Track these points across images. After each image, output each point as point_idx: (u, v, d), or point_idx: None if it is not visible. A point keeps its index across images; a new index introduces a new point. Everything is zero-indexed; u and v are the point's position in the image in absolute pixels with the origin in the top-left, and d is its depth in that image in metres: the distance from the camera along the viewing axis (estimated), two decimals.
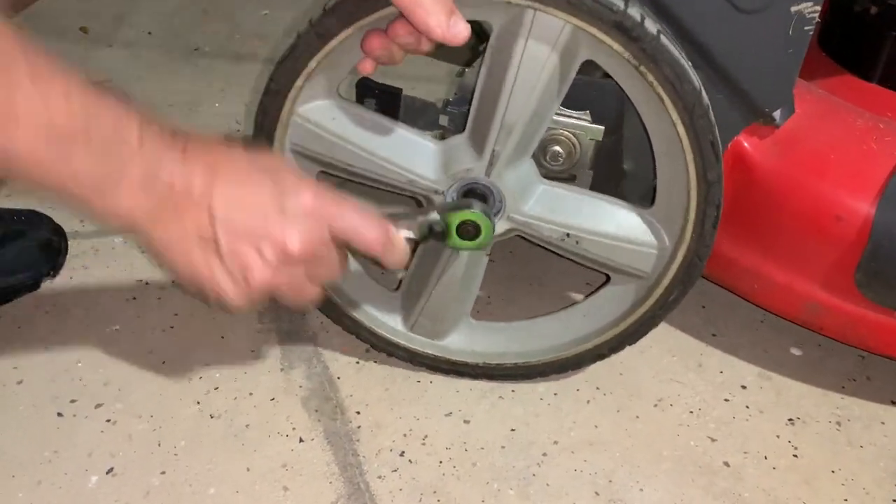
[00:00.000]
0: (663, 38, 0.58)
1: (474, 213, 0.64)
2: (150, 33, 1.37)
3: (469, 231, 0.64)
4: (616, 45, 0.58)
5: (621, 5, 0.57)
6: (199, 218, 0.54)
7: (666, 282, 0.67)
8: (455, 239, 0.64)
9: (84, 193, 0.51)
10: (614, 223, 0.67)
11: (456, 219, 0.64)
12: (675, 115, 0.60)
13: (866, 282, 0.69)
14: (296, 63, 0.64)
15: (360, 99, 0.70)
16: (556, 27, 0.58)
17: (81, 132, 0.49)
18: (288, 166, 0.58)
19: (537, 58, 0.60)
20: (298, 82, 0.65)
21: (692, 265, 0.66)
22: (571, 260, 0.72)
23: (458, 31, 0.55)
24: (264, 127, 0.68)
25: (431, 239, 0.65)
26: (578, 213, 0.68)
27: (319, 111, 0.67)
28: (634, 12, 0.57)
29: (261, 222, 0.54)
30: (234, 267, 0.55)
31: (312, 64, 0.63)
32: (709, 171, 0.61)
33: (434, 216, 0.65)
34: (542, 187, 0.68)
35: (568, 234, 0.68)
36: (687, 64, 0.59)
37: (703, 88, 0.60)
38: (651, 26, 0.57)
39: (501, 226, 0.69)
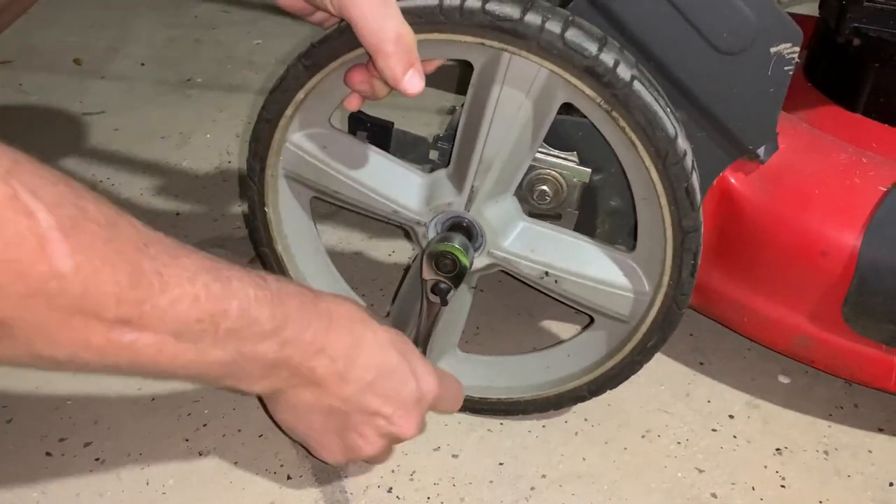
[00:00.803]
0: (637, 84, 0.58)
1: (451, 247, 0.66)
2: (142, 64, 1.39)
3: (447, 265, 0.66)
4: (588, 90, 0.58)
5: (593, 50, 0.57)
6: (337, 393, 0.58)
7: (644, 327, 0.68)
8: (460, 282, 0.67)
9: (213, 377, 0.52)
10: (594, 265, 0.68)
11: (440, 249, 0.66)
12: (648, 161, 0.60)
13: (853, 315, 0.70)
14: (285, 94, 0.65)
15: (353, 131, 0.72)
16: (531, 70, 0.59)
17: (209, 321, 0.48)
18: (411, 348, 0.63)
19: (514, 98, 0.61)
20: (288, 112, 0.66)
21: (670, 312, 0.66)
22: (553, 298, 0.72)
23: (412, 86, 0.57)
24: (258, 153, 0.70)
25: (447, 295, 0.68)
26: (559, 253, 0.68)
27: (310, 140, 0.69)
28: (608, 58, 0.57)
29: (390, 409, 0.60)
30: (350, 441, 0.61)
31: (301, 95, 0.65)
32: (684, 218, 0.61)
33: (433, 277, 0.67)
34: (522, 224, 0.69)
35: (547, 273, 0.68)
36: (662, 111, 0.59)
37: (678, 135, 0.60)
38: (624, 72, 0.58)
39: (482, 261, 0.69)
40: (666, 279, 0.64)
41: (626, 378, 0.71)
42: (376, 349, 0.59)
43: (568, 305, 0.72)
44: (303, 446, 0.66)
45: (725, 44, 0.63)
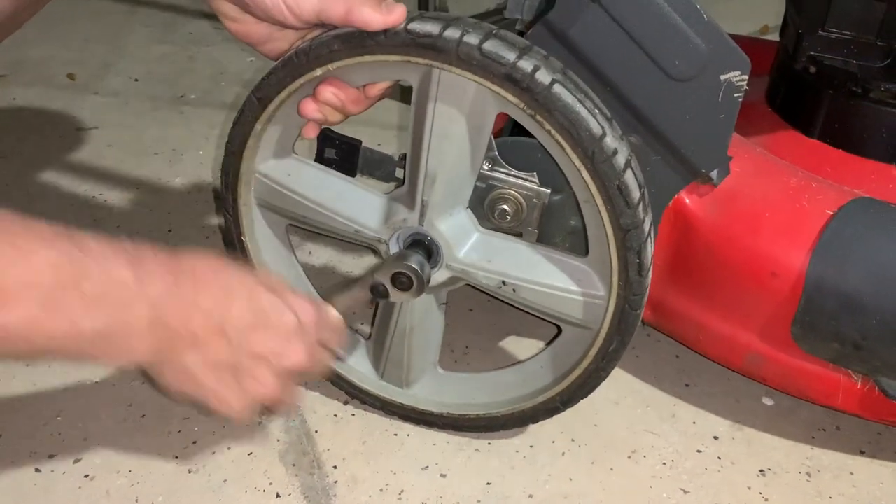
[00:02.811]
0: (557, 87, 0.60)
1: (405, 266, 0.67)
2: (136, 80, 1.39)
3: (404, 282, 0.68)
4: (510, 97, 0.61)
5: (511, 58, 0.59)
6: (221, 346, 0.57)
7: (604, 332, 0.68)
8: (397, 292, 0.68)
9: (94, 350, 0.51)
10: (550, 272, 0.69)
11: (389, 271, 0.68)
12: (577, 162, 0.62)
13: (802, 335, 0.72)
14: (244, 126, 0.69)
15: (322, 149, 0.74)
16: (460, 82, 0.62)
17: (73, 285, 0.48)
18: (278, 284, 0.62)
19: (448, 111, 0.64)
20: (250, 143, 0.70)
21: (625, 314, 0.67)
22: (519, 309, 0.73)
23: (395, 15, 0.60)
24: (229, 185, 0.73)
25: (380, 299, 0.69)
26: (514, 262, 0.70)
27: (276, 168, 0.72)
28: (526, 64, 0.59)
29: (274, 344, 0.59)
30: (246, 388, 0.59)
31: (258, 126, 0.69)
32: (621, 216, 0.62)
33: (375, 279, 0.68)
34: (476, 235, 0.70)
35: (504, 283, 0.70)
36: (587, 112, 0.60)
37: (606, 135, 0.61)
38: (544, 77, 0.59)
39: (443, 274, 0.71)
40: (615, 280, 0.66)
41: (595, 387, 0.72)
42: (246, 293, 0.58)
43: (534, 315, 0.73)
44: (203, 407, 0.63)
45: (677, 71, 0.65)
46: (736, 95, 0.66)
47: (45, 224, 0.49)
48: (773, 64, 0.91)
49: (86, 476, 0.72)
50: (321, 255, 1.01)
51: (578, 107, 0.60)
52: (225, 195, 0.73)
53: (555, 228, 0.72)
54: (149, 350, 0.54)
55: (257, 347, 0.58)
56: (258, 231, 0.76)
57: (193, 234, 1.03)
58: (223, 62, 1.47)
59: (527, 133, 0.69)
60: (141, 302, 0.52)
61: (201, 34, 1.57)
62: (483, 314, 0.94)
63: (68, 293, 0.48)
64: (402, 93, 1.25)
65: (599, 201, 0.63)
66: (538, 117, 0.61)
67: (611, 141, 0.61)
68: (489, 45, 0.59)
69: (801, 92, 0.85)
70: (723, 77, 0.65)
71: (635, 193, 0.62)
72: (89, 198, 1.08)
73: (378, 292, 0.68)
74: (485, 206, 0.70)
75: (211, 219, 1.06)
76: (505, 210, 0.70)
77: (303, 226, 0.74)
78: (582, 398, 0.73)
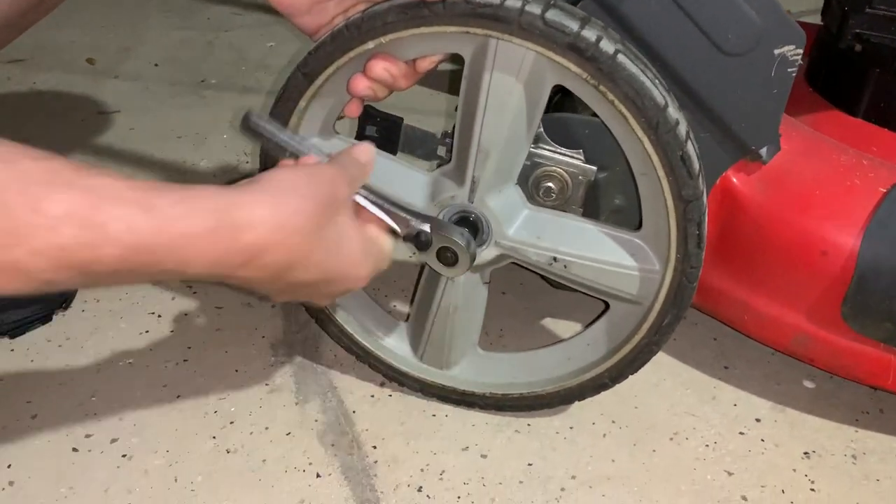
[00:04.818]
0: (621, 57, 0.59)
1: (455, 243, 0.64)
2: (156, 65, 1.38)
3: (448, 258, 0.66)
4: (573, 67, 0.59)
5: (575, 28, 0.58)
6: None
7: (658, 306, 0.67)
8: (432, 258, 0.66)
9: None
10: (602, 247, 0.68)
11: (439, 242, 0.65)
12: (640, 133, 0.61)
13: (852, 314, 0.70)
14: (287, 103, 0.67)
15: (363, 126, 0.73)
16: (518, 53, 0.61)
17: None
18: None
19: (504, 83, 0.62)
20: (292, 121, 0.68)
21: (681, 287, 0.66)
22: (570, 288, 0.72)
23: None
24: (268, 165, 0.71)
25: (411, 242, 0.64)
26: (564, 238, 0.68)
27: (317, 148, 0.69)
28: (590, 34, 0.58)
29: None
30: (348, 256, 0.54)
31: (303, 103, 0.67)
32: (683, 188, 0.62)
33: (426, 227, 0.64)
34: (526, 212, 0.69)
35: (555, 259, 0.68)
36: (650, 81, 0.59)
37: (669, 105, 0.60)
38: (608, 46, 0.58)
39: (491, 252, 0.70)
40: (673, 253, 0.65)
41: (646, 362, 0.71)
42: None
43: (582, 293, 0.72)
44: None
45: (730, 45, 0.64)
46: (790, 70, 0.65)
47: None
48: (812, 44, 0.90)
49: (123, 455, 0.71)
50: None
51: (643, 77, 0.59)
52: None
53: (599, 206, 0.71)
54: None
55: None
56: None
57: None
58: (243, 47, 1.46)
59: (565, 110, 0.68)
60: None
61: (220, 19, 1.56)
62: (516, 298, 0.93)
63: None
64: (449, 84, 1.25)
65: (661, 173, 0.61)
66: (602, 87, 0.60)
67: (673, 111, 0.60)
68: (552, 15, 0.58)
69: (846, 71, 0.84)
70: (777, 51, 0.64)
71: (696, 164, 0.61)
72: None
73: (418, 240, 0.64)
74: (529, 183, 0.69)
75: None
76: (550, 188, 0.69)
77: None
78: (631, 373, 0.72)
